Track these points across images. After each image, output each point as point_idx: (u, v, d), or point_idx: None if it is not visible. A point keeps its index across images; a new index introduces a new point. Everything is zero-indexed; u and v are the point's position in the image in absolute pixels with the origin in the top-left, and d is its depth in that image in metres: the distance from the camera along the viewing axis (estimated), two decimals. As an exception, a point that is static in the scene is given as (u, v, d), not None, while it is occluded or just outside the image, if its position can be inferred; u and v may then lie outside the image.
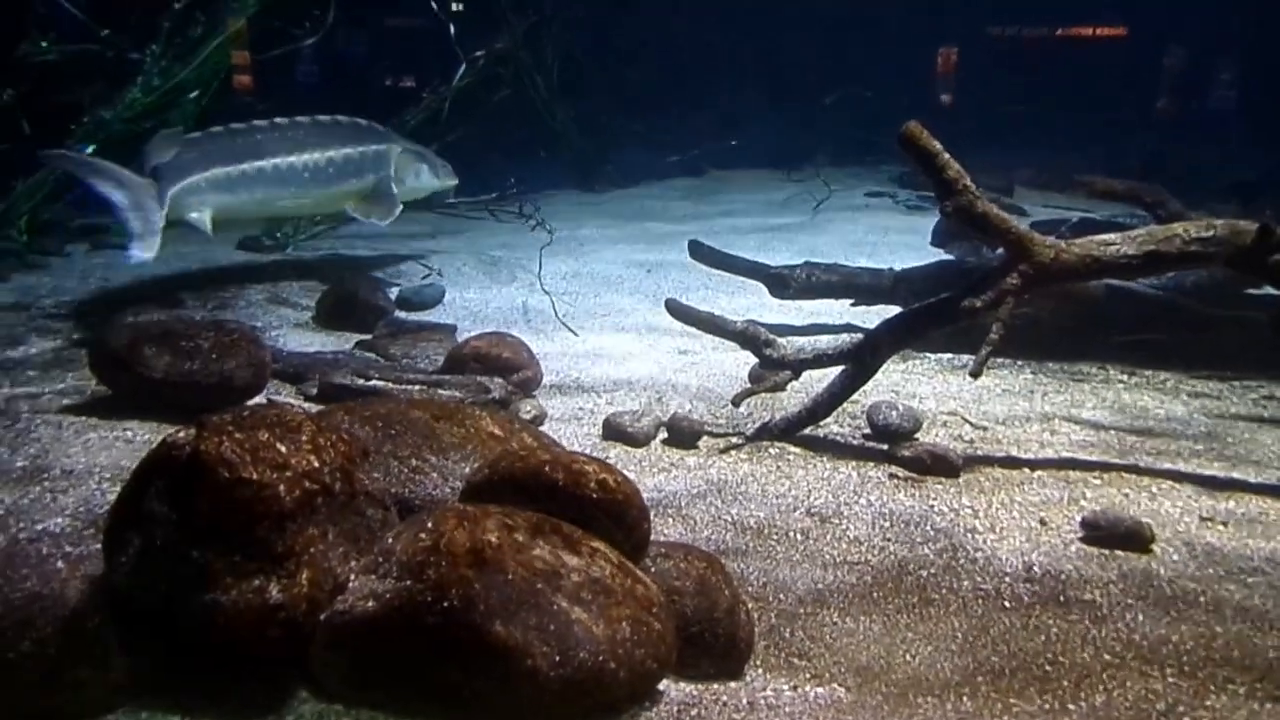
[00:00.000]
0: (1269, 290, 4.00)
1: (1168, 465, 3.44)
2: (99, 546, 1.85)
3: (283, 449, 1.81)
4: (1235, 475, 3.36)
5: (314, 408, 3.51)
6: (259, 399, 3.51)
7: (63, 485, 2.72)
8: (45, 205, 6.54)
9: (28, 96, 6.36)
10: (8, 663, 1.67)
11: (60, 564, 1.78)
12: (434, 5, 7.93)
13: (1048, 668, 2.24)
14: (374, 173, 5.81)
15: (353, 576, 1.83)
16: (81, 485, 2.73)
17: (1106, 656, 2.29)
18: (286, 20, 7.54)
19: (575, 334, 4.76)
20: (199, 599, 1.68)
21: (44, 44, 6.45)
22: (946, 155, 3.25)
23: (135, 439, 3.12)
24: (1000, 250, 3.42)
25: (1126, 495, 3.18)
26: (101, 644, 1.72)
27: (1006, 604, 2.51)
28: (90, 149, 6.57)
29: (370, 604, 1.74)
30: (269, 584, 1.72)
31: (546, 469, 2.09)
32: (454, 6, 9.49)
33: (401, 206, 5.89)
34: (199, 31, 6.83)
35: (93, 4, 6.52)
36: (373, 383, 3.70)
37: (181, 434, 1.80)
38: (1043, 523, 2.97)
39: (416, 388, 3.68)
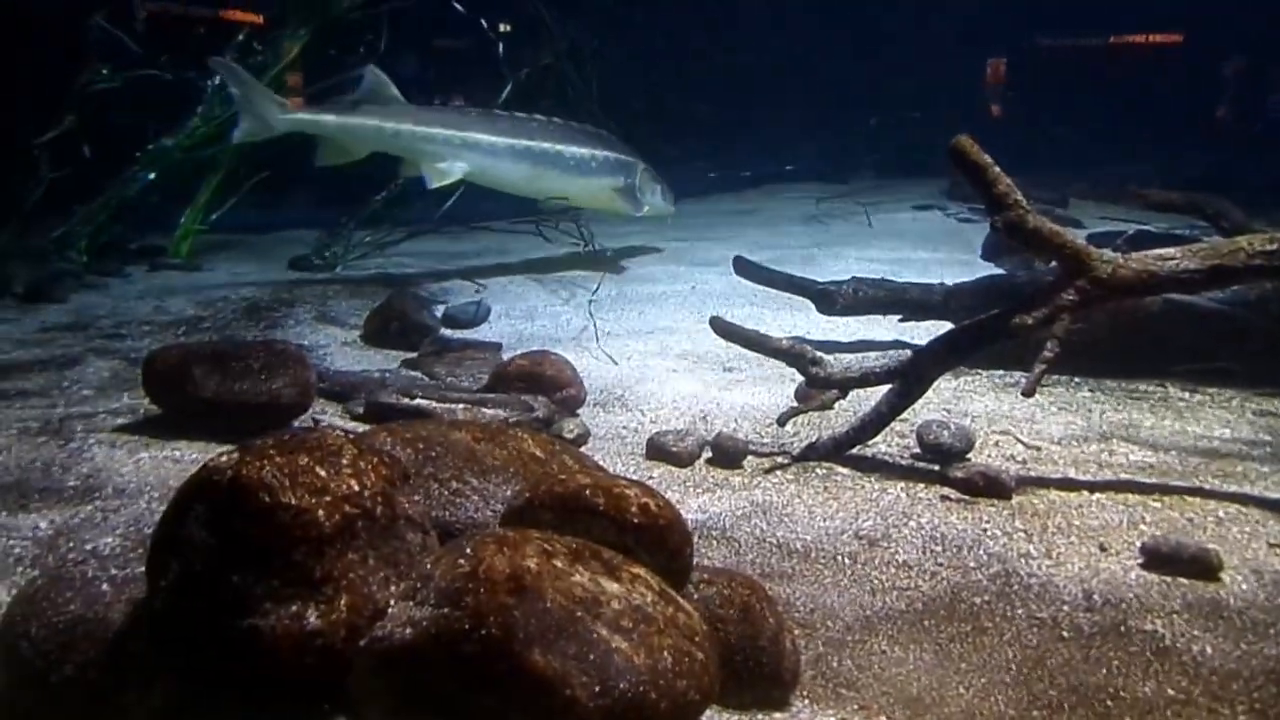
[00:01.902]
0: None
1: (1234, 488, 3.30)
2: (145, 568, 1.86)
3: (322, 473, 1.81)
4: (1307, 499, 3.22)
5: (360, 426, 3.53)
6: (304, 418, 3.55)
7: (114, 505, 2.76)
8: (105, 227, 6.75)
9: (89, 122, 6.57)
10: (50, 687, 1.68)
11: (105, 586, 1.80)
12: (484, 24, 8.02)
13: (1109, 703, 2.15)
14: (623, 178, 7.04)
15: (392, 602, 1.81)
16: (132, 505, 2.77)
17: (1171, 692, 2.19)
18: (340, 45, 7.70)
19: (615, 363, 4.74)
20: (237, 625, 1.68)
21: (104, 71, 6.65)
22: (996, 169, 3.18)
23: (184, 458, 3.16)
24: (1052, 264, 3.33)
25: (1190, 520, 3.05)
26: (144, 668, 1.73)
27: (1064, 634, 2.42)
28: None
29: (408, 631, 1.72)
30: (307, 610, 1.71)
31: (587, 493, 2.06)
32: (502, 27, 9.61)
33: (647, 208, 7.16)
34: (259, 59, 7.01)
35: (148, 31, 6.71)
36: (417, 402, 3.71)
37: (223, 458, 1.81)
38: (1101, 548, 2.86)
39: (460, 406, 3.69)
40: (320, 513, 1.77)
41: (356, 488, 1.84)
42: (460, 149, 6.36)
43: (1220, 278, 3.17)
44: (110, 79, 6.57)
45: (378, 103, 6.25)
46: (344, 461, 1.86)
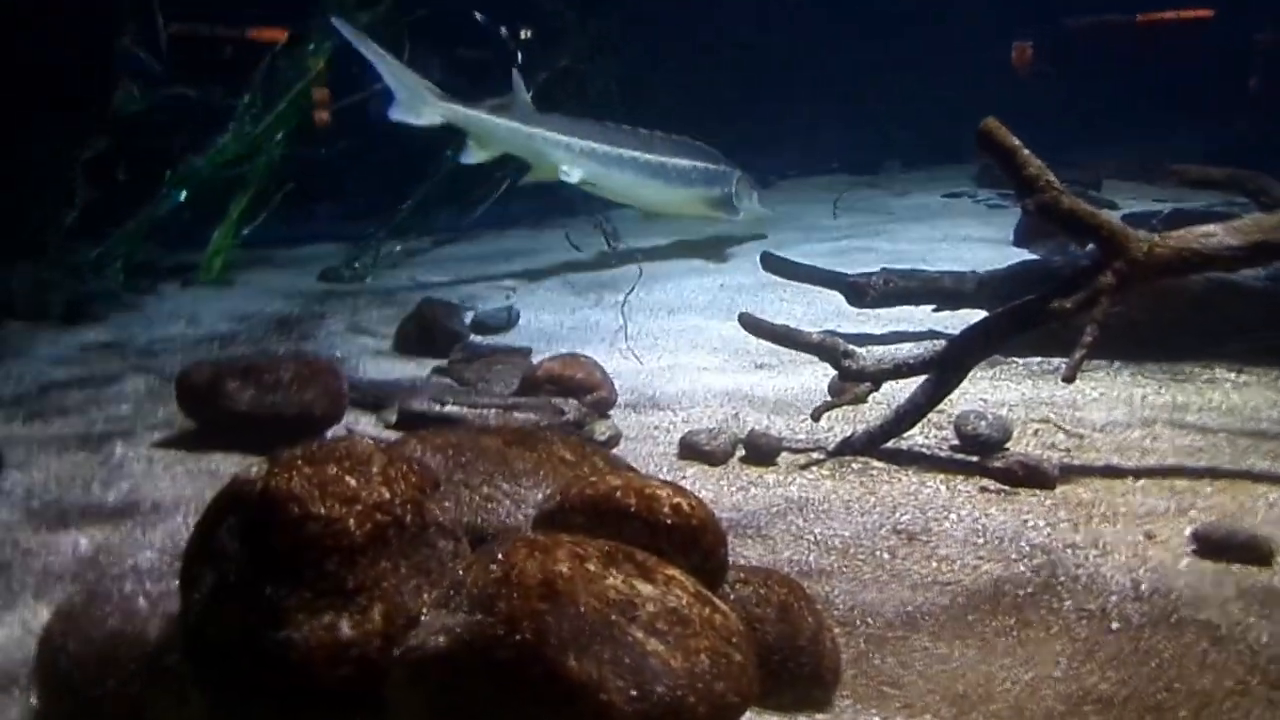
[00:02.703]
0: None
1: (1286, 471, 3.20)
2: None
3: (352, 482, 1.80)
4: (1363, 479, 3.11)
5: (394, 435, 3.54)
6: (338, 428, 3.56)
7: (152, 520, 2.79)
8: (139, 246, 6.84)
9: (121, 144, 6.67)
10: (92, 701, 1.69)
11: (142, 601, 1.81)
12: (504, 31, 8.05)
13: (1163, 695, 2.08)
14: (720, 187, 7.49)
15: (425, 610, 1.80)
16: (169, 519, 2.79)
17: (1229, 683, 2.11)
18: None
19: (643, 363, 4.71)
20: (271, 636, 1.68)
21: (136, 94, 6.74)
22: (1026, 151, 3.11)
23: (219, 472, 3.18)
24: (1089, 248, 3.25)
25: (1241, 504, 2.96)
26: (181, 681, 1.74)
27: (1113, 625, 2.35)
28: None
29: (442, 639, 1.71)
30: (340, 620, 1.70)
31: (618, 494, 2.03)
32: (523, 34, 9.61)
33: (743, 214, 7.59)
34: (285, 76, 7.08)
35: (171, 52, 6.80)
36: (449, 409, 3.72)
37: (252, 470, 1.81)
38: (1149, 536, 2.78)
39: (492, 412, 3.69)
40: (351, 522, 1.76)
41: (387, 496, 1.83)
42: (579, 156, 6.90)
43: (1264, 254, 3.09)
44: (140, 100, 6.66)
45: (516, 107, 6.79)
46: (374, 470, 1.85)
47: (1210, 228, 3.13)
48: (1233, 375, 4.18)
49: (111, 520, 2.80)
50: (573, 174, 6.85)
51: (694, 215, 7.64)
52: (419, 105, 6.43)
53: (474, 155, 6.76)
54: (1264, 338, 4.25)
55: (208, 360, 3.79)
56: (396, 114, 6.48)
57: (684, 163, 7.32)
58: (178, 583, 1.89)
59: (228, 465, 3.24)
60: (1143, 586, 2.52)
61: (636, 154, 7.14)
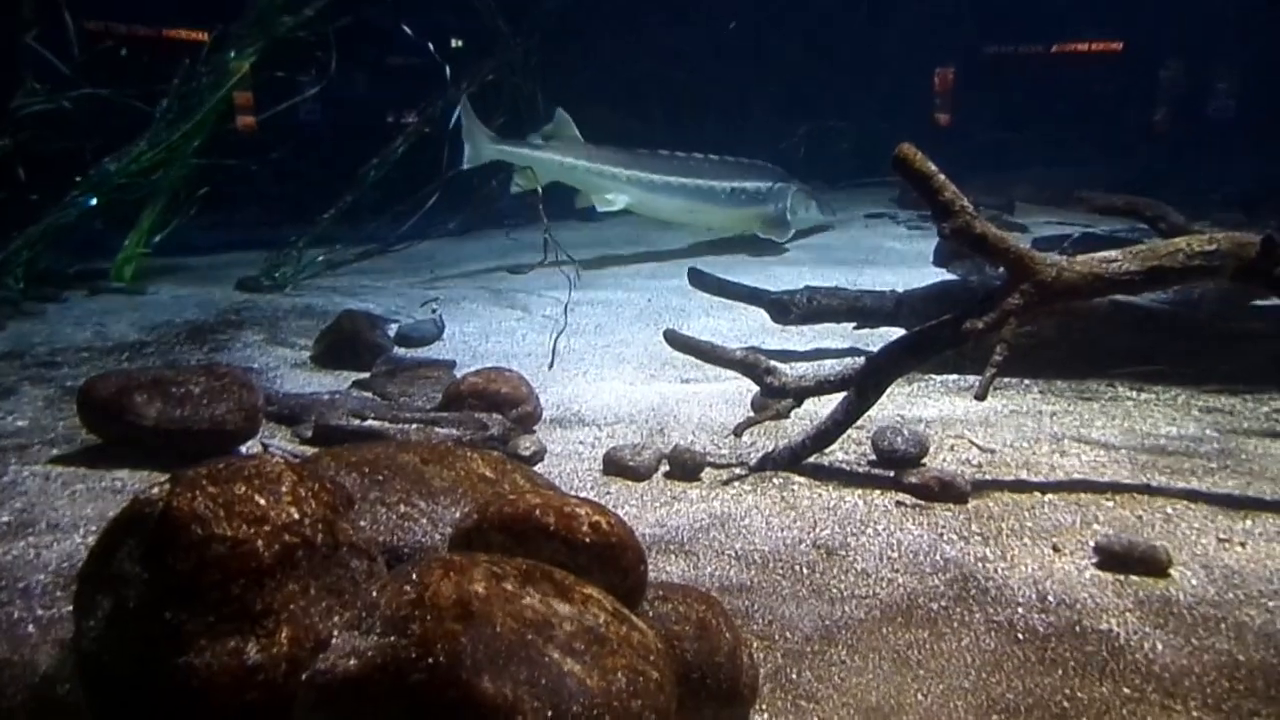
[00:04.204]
0: (1276, 302, 3.94)
1: (1182, 484, 3.35)
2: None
3: (260, 501, 1.75)
4: (1251, 493, 3.27)
5: (309, 450, 3.45)
6: (253, 443, 3.46)
7: (47, 540, 2.65)
8: (43, 252, 6.55)
9: (24, 145, 6.38)
10: (-26, 735, 1.61)
11: (31, 628, 1.72)
12: (430, 46, 7.99)
13: (1065, 704, 2.15)
14: (775, 204, 8.06)
15: (336, 632, 1.76)
16: (67, 539, 2.66)
17: (1126, 690, 2.20)
18: (288, 65, 7.59)
19: (571, 378, 4.70)
20: (173, 662, 1.61)
21: (37, 92, 6.46)
22: (942, 176, 3.20)
23: (124, 489, 3.06)
24: (1003, 269, 3.36)
25: (1140, 517, 3.09)
26: (73, 712, 1.66)
27: (1020, 636, 2.42)
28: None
29: (352, 662, 1.67)
30: (246, 644, 1.65)
31: (537, 513, 2.01)
32: (454, 43, 9.53)
33: (794, 230, 8.16)
34: (204, 81, 6.88)
35: (87, 55, 6.54)
36: (369, 423, 3.64)
37: (154, 489, 1.74)
38: (1055, 549, 2.88)
39: (414, 427, 3.63)
40: (259, 543, 1.71)
41: (297, 516, 1.79)
42: (624, 184, 7.54)
43: (1159, 278, 3.23)
44: (45, 100, 6.39)
45: (560, 139, 7.46)
46: (283, 489, 1.80)
47: (1112, 254, 3.27)
48: (1134, 393, 4.36)
49: (4, 540, 2.66)
50: (616, 201, 7.51)
51: (745, 232, 8.09)
52: (479, 150, 7.24)
53: (522, 186, 7.40)
54: (1156, 359, 4.45)
55: (113, 371, 3.63)
56: (464, 165, 7.23)
57: (732, 184, 7.84)
58: (71, 608, 1.80)
59: (134, 482, 3.12)
60: (1048, 598, 2.60)
61: (683, 179, 7.64)
